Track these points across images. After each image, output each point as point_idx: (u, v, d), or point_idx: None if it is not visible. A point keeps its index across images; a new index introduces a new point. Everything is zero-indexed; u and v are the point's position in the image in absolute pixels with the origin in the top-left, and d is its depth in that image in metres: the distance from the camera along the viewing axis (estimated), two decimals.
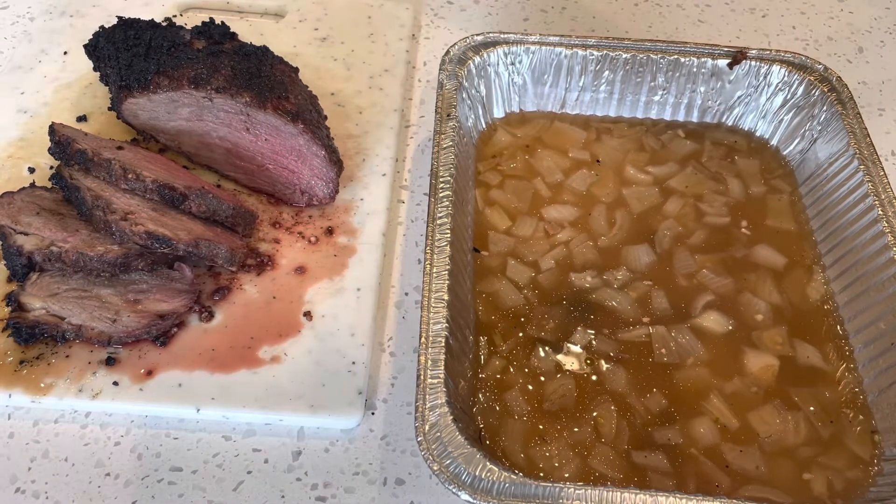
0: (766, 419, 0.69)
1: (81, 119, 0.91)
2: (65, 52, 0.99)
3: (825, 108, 0.85)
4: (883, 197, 0.76)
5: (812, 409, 0.70)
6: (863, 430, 0.68)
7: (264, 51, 0.83)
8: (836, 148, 0.82)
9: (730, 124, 0.92)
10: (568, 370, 0.71)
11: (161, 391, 0.70)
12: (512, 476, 0.58)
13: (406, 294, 0.81)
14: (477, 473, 0.58)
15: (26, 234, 0.73)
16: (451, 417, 0.61)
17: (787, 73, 0.87)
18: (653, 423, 0.68)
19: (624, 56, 0.88)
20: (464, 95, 0.85)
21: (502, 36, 0.89)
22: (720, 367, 0.72)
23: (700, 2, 1.14)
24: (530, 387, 0.70)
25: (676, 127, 0.92)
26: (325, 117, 0.85)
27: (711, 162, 0.88)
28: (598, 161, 0.87)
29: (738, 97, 0.90)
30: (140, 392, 0.70)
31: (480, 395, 0.69)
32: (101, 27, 0.87)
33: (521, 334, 0.73)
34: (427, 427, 0.60)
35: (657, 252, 0.80)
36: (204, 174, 0.86)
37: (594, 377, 0.71)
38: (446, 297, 0.67)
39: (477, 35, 0.89)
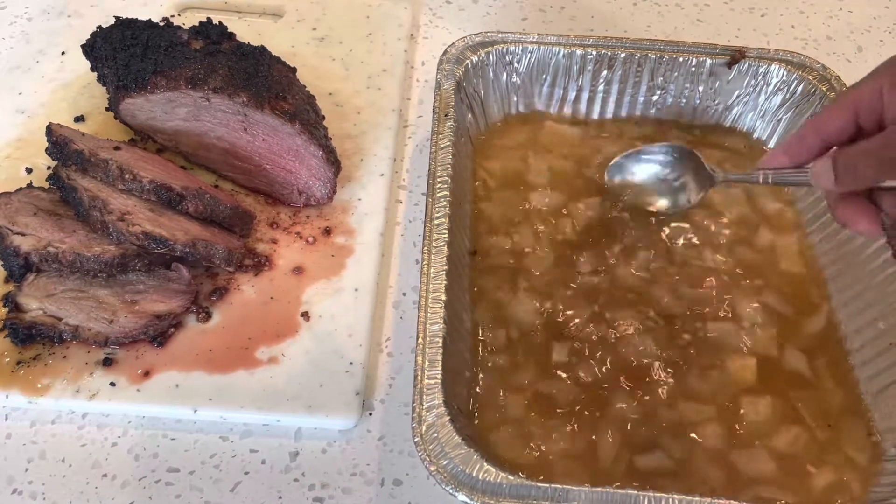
0: (761, 419, 0.68)
1: (79, 119, 0.91)
2: (62, 53, 0.99)
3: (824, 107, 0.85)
4: None
5: (808, 409, 0.69)
6: (861, 431, 0.68)
7: (262, 51, 0.83)
8: None
9: (728, 124, 0.91)
10: (567, 372, 0.71)
11: (158, 392, 0.70)
12: (509, 476, 0.58)
13: (404, 294, 0.81)
14: (474, 474, 0.58)
15: (23, 234, 0.73)
16: (448, 418, 0.61)
17: (785, 73, 0.87)
18: (654, 425, 0.68)
19: (622, 55, 0.88)
20: (462, 95, 0.85)
21: (500, 35, 0.89)
22: (707, 366, 0.72)
23: (699, 1, 1.14)
24: (529, 388, 0.70)
25: (675, 127, 0.91)
26: (323, 117, 0.85)
27: (710, 162, 0.88)
28: (601, 154, 0.87)
29: (737, 96, 0.90)
30: (137, 393, 0.70)
31: (478, 396, 0.69)
32: (99, 27, 0.87)
33: (520, 335, 0.73)
34: (424, 428, 0.60)
35: (660, 253, 0.80)
36: (202, 174, 0.86)
37: (595, 379, 0.71)
38: (444, 297, 0.67)
39: (475, 35, 0.89)
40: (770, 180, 0.66)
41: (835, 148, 0.61)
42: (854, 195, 0.59)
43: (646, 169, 0.82)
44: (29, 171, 0.85)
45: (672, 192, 0.81)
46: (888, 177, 0.55)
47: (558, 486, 0.58)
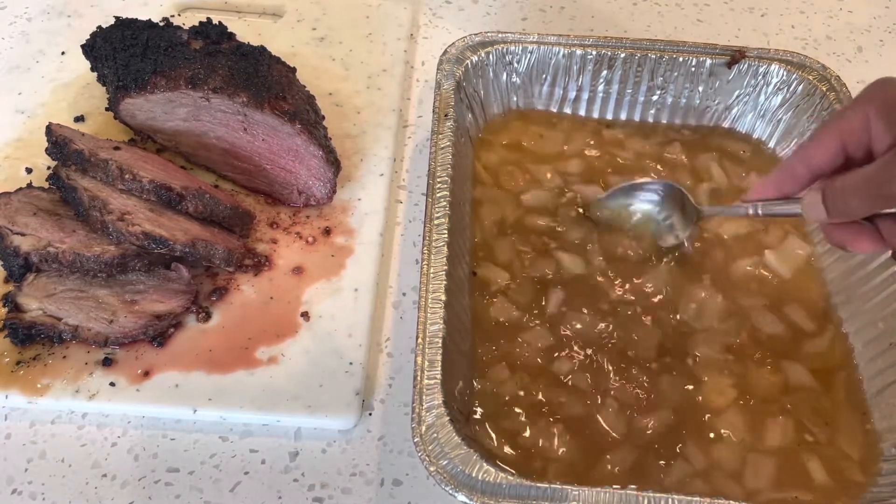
0: (760, 417, 0.68)
1: (79, 119, 0.91)
2: (62, 53, 0.99)
3: (824, 107, 0.84)
4: None
5: (808, 408, 0.69)
6: (860, 431, 0.68)
7: (262, 51, 0.83)
8: None
9: (727, 125, 0.91)
10: (569, 373, 0.71)
11: (158, 392, 0.70)
12: (509, 477, 0.58)
13: (404, 294, 0.81)
14: (474, 474, 0.58)
15: (23, 234, 0.73)
16: (448, 418, 0.61)
17: (785, 73, 0.87)
18: (657, 427, 0.68)
19: (622, 55, 0.88)
20: (462, 95, 0.85)
21: (500, 35, 0.89)
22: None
23: (699, 1, 1.14)
24: (530, 389, 0.70)
25: (675, 127, 0.91)
26: (323, 117, 0.85)
27: (710, 165, 0.88)
28: (613, 157, 0.87)
29: (737, 96, 0.90)
30: (137, 393, 0.70)
31: (479, 396, 0.69)
32: (99, 27, 0.87)
33: (520, 336, 0.73)
34: (423, 428, 0.60)
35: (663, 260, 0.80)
36: (202, 174, 0.86)
37: (597, 381, 0.71)
38: (443, 297, 0.67)
39: (475, 35, 0.89)
40: (759, 212, 0.64)
41: (822, 181, 0.59)
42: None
43: (633, 206, 0.80)
44: (29, 171, 0.85)
45: (659, 229, 0.80)
46: (880, 209, 0.54)
47: (557, 486, 0.58)
